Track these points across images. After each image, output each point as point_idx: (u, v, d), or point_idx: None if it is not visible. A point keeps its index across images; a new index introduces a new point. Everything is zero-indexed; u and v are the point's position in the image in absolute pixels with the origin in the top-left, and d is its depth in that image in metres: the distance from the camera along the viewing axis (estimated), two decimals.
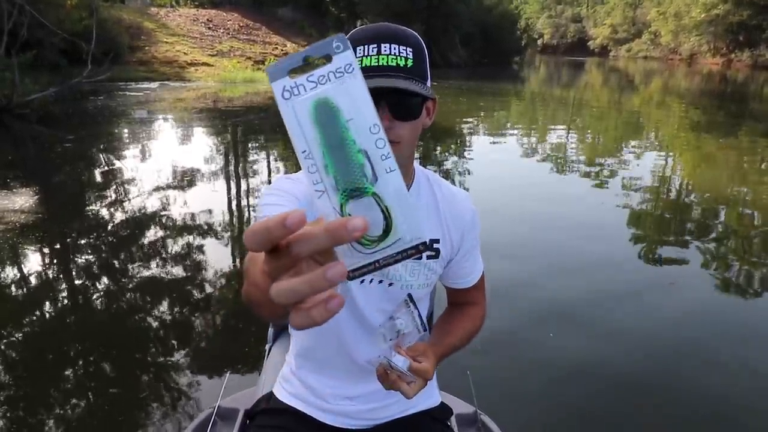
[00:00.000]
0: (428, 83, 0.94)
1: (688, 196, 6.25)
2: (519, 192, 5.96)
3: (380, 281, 1.05)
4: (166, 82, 16.18)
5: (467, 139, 9.90)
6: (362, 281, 1.04)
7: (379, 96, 0.88)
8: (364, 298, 1.05)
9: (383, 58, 0.87)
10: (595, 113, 14.45)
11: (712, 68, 38.30)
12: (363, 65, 0.88)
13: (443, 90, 18.30)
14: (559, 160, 7.90)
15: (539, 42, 73.63)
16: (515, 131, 10.98)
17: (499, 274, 3.50)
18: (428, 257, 1.06)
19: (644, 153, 8.56)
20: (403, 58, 0.88)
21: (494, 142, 9.61)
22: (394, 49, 0.88)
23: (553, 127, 11.87)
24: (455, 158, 7.92)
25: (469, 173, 6.86)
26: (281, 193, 0.98)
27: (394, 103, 0.89)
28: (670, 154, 8.82)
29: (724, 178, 7.08)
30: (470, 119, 12.37)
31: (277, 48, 22.29)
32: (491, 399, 1.66)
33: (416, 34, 0.94)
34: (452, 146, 8.90)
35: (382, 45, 0.88)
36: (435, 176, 1.11)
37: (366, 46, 0.88)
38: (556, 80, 28.45)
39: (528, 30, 51.49)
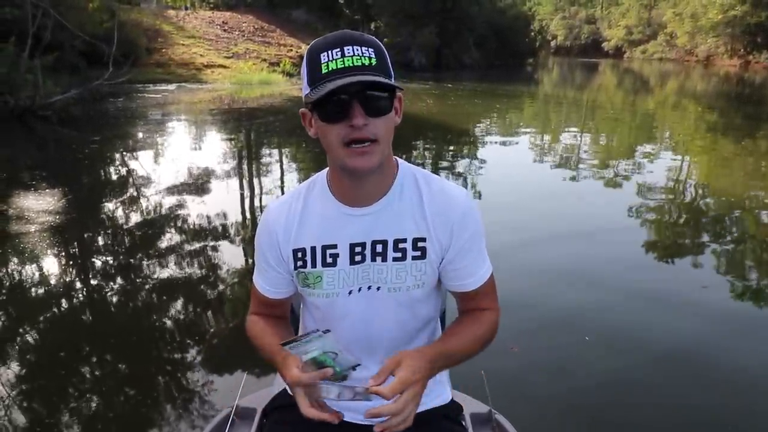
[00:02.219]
0: (393, 80, 0.96)
1: (716, 199, 6.14)
2: (542, 195, 5.94)
3: (368, 287, 1.06)
4: (184, 84, 16.39)
5: (486, 140, 9.93)
6: (350, 292, 1.06)
7: (350, 96, 0.91)
8: (355, 306, 1.07)
9: (348, 60, 0.90)
10: (611, 115, 14.37)
11: (729, 70, 37.74)
12: (329, 69, 0.91)
13: (457, 92, 18.31)
14: (581, 165, 7.89)
15: (552, 43, 73.10)
16: (533, 133, 10.99)
17: (519, 276, 3.54)
18: (413, 258, 1.04)
19: (665, 156, 8.50)
20: (366, 58, 0.91)
21: (515, 143, 9.63)
22: (357, 50, 0.91)
23: (571, 130, 11.84)
24: (473, 160, 7.95)
25: (489, 175, 6.87)
26: (264, 261, 1.12)
27: (365, 100, 0.91)
28: (690, 157, 8.76)
29: (746, 180, 7.02)
30: (488, 121, 12.39)
31: (291, 50, 22.45)
32: (506, 399, 1.68)
33: (374, 38, 0.97)
34: (467, 147, 8.93)
35: (345, 48, 0.91)
36: (426, 174, 1.10)
37: (330, 51, 0.91)
38: (570, 82, 28.26)
39: (542, 32, 51.21)
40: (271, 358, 1.06)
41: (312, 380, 0.91)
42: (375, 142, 0.94)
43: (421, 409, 1.14)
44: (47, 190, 5.62)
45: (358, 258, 1.05)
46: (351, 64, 0.90)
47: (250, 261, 3.92)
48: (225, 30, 22.70)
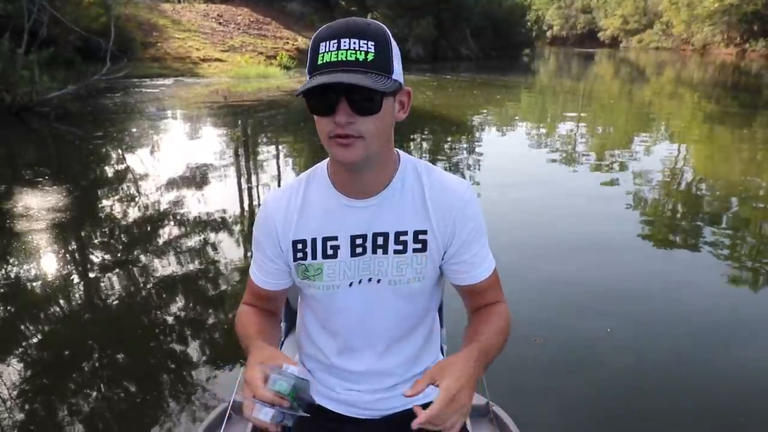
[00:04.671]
0: (394, 76, 0.91)
1: (727, 190, 6.08)
2: (558, 190, 5.90)
3: (369, 279, 1.05)
4: (181, 78, 16.28)
5: (491, 130, 9.99)
6: (351, 284, 1.05)
7: (337, 93, 0.88)
8: (356, 298, 1.06)
9: (342, 53, 0.87)
10: (608, 105, 14.40)
11: (726, 59, 37.75)
12: (323, 61, 0.88)
13: (456, 83, 18.29)
14: (596, 157, 7.91)
15: (549, 34, 72.96)
16: (535, 123, 11.04)
17: (522, 267, 3.57)
18: (414, 250, 1.04)
19: (665, 144, 8.53)
20: (363, 53, 0.87)
21: (520, 133, 9.72)
22: (354, 43, 0.87)
23: (571, 120, 11.86)
24: (482, 151, 7.97)
25: (503, 167, 6.90)
26: (261, 253, 1.11)
27: (352, 98, 0.88)
28: (692, 145, 8.79)
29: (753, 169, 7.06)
30: (490, 111, 12.39)
31: (288, 43, 22.35)
32: (503, 391, 1.66)
33: (383, 27, 0.92)
34: (474, 138, 8.95)
35: (342, 40, 0.87)
36: (427, 166, 1.08)
37: (327, 42, 0.88)
38: (566, 72, 28.25)
39: (538, 22, 51.12)
40: (246, 348, 1.04)
41: (262, 396, 0.87)
42: (360, 138, 0.91)
43: (419, 402, 1.12)
44: (53, 187, 5.60)
45: (359, 250, 1.04)
46: (344, 59, 0.87)
47: (249, 256, 3.92)
48: (220, 23, 22.56)
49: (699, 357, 2.70)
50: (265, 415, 0.88)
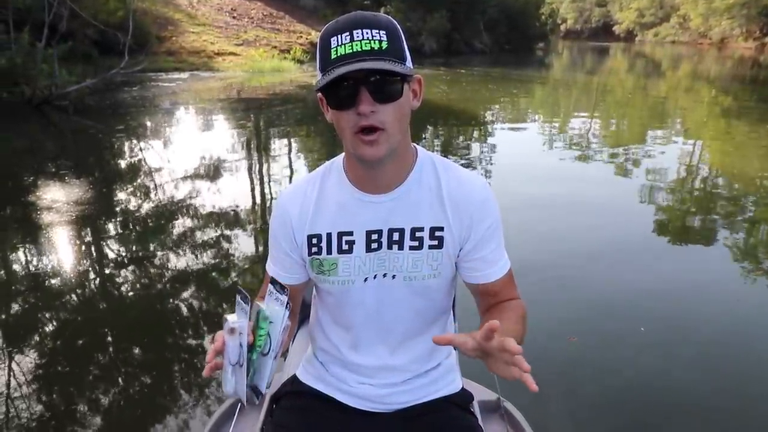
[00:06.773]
0: (408, 63, 0.92)
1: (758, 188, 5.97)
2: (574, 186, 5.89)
3: (384, 275, 1.05)
4: (196, 72, 16.38)
5: (512, 125, 10.01)
6: (365, 279, 1.05)
7: (357, 83, 0.88)
8: (370, 294, 1.06)
9: (357, 44, 0.87)
10: (626, 100, 14.27)
11: (744, 53, 37.13)
12: (338, 54, 0.87)
13: (470, 77, 18.22)
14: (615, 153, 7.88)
15: (562, 27, 72.26)
16: (553, 117, 10.98)
17: (532, 263, 3.56)
18: (430, 247, 1.03)
19: (692, 141, 8.45)
20: (377, 42, 0.88)
21: (541, 128, 9.72)
22: (367, 33, 0.88)
23: (595, 114, 11.77)
24: (505, 146, 7.96)
25: (532, 162, 6.89)
26: (277, 247, 1.10)
27: (373, 87, 0.89)
28: (711, 141, 8.69)
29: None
30: (508, 105, 12.35)
31: (301, 36, 22.38)
32: (514, 387, 1.69)
33: (389, 17, 0.93)
34: (496, 133, 8.95)
35: (355, 32, 0.88)
36: (444, 161, 1.08)
37: (339, 36, 0.88)
38: (581, 67, 27.96)
39: (552, 15, 50.67)
40: None
41: (218, 346, 0.89)
42: (383, 131, 0.91)
43: (432, 397, 1.16)
44: (79, 180, 5.67)
45: (374, 245, 1.03)
46: (360, 49, 0.87)
47: (261, 248, 3.97)
48: (234, 17, 22.64)
49: (729, 359, 2.64)
50: (227, 382, 0.86)
